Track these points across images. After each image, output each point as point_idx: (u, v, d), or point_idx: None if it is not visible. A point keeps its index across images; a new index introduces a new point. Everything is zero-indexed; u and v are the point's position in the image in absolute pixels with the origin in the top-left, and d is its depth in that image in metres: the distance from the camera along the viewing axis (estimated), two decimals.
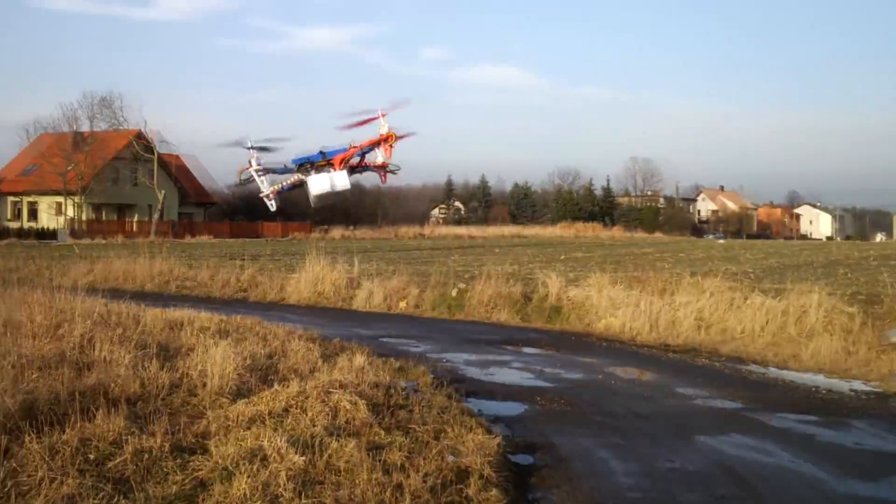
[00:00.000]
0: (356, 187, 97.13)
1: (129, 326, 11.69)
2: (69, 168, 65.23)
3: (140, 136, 68.89)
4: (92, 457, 6.05)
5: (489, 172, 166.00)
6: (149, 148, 69.15)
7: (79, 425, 6.46)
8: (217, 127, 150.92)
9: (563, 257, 39.76)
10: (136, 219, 70.73)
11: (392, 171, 16.05)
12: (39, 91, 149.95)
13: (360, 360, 10.41)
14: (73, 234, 61.79)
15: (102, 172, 68.66)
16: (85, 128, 68.63)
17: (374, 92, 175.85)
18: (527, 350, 13.73)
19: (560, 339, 14.86)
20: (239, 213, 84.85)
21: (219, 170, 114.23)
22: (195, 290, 22.19)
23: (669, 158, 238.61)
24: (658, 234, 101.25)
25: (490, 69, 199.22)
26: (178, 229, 69.69)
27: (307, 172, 14.63)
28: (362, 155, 14.90)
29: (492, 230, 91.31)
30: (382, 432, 7.23)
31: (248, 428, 6.87)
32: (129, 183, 72.66)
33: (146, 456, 6.10)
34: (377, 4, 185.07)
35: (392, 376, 9.94)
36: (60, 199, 67.72)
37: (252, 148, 14.07)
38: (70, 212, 67.11)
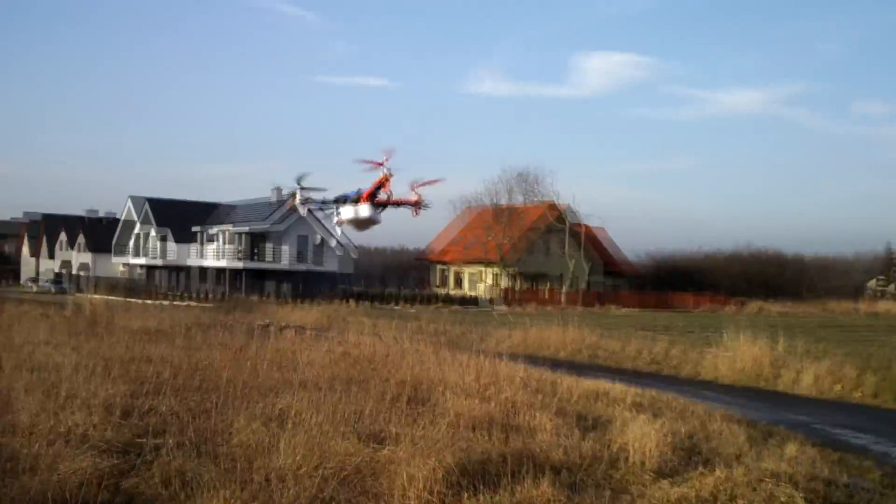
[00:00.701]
0: (776, 257, 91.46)
1: (547, 393, 12.01)
2: (489, 239, 71.14)
3: (553, 207, 72.77)
4: None
5: None
6: (561, 219, 72.67)
7: (510, 488, 6.59)
8: (623, 196, 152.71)
9: None
10: (547, 287, 74.45)
11: (425, 207, 17.90)
12: (466, 167, 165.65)
13: (791, 448, 9.52)
14: (492, 300, 66.83)
15: (518, 243, 73.65)
16: (503, 201, 74.41)
17: (796, 153, 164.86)
18: None
19: None
20: (648, 283, 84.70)
21: (626, 240, 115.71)
22: (606, 360, 22.30)
23: None
24: None
25: None
26: (588, 298, 71.74)
27: (341, 205, 17.33)
28: (387, 193, 16.97)
29: None
30: None
31: None
32: (542, 253, 76.92)
33: None
34: (804, 59, 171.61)
35: (830, 469, 8.84)
36: (481, 268, 74.03)
37: (301, 188, 17.49)
38: (489, 280, 72.96)
